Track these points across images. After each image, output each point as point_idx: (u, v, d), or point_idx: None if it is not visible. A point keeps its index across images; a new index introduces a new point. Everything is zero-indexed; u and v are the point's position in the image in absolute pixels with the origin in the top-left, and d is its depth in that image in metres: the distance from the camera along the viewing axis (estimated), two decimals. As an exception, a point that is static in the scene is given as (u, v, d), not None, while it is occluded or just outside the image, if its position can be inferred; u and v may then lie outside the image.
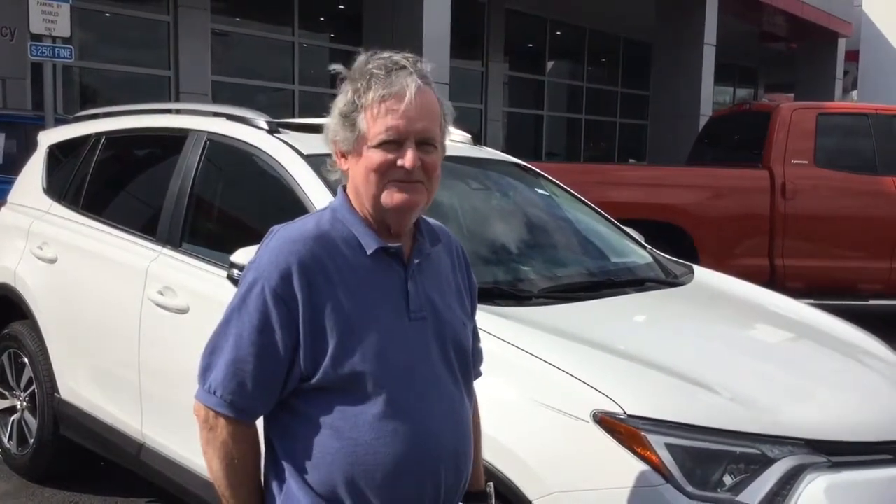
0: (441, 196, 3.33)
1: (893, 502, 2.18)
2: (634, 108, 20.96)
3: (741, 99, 26.11)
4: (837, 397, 2.46)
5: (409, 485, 1.54)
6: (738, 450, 2.08)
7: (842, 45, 20.92)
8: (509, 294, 2.73)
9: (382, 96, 1.50)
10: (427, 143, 1.53)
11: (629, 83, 21.10)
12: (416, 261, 1.60)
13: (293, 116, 11.53)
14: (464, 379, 1.67)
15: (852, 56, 22.38)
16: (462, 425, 1.64)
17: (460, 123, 4.91)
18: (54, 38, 6.97)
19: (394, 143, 1.51)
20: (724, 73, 23.87)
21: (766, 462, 2.08)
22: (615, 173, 8.13)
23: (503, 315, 2.49)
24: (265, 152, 3.18)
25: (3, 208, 4.43)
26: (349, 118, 1.53)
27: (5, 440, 4.19)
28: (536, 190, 3.89)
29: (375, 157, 1.51)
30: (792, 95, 21.71)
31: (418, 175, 1.53)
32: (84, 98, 11.91)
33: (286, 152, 3.11)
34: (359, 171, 1.54)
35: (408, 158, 1.51)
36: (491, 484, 1.82)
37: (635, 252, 3.71)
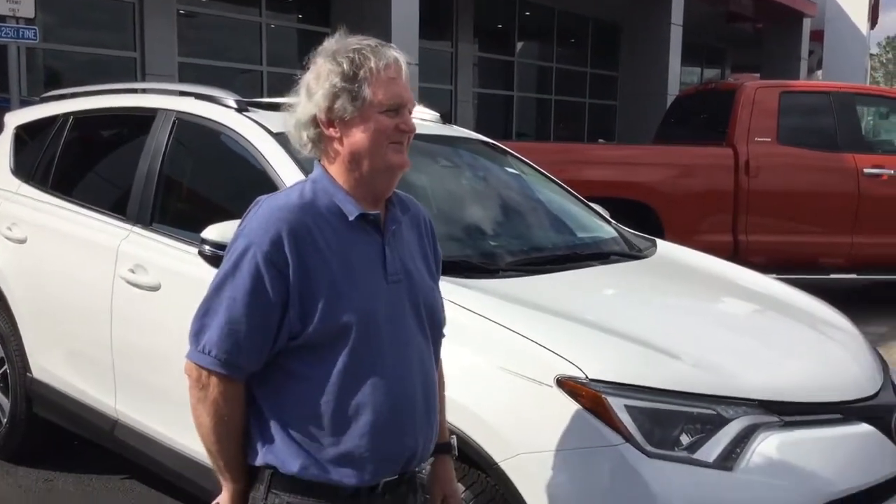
0: (411, 173, 3.39)
1: (841, 457, 2.29)
2: (604, 88, 21.08)
3: (709, 78, 26.37)
4: (791, 361, 2.58)
5: (389, 433, 1.64)
6: (695, 410, 2.18)
7: (807, 24, 21.18)
8: (477, 267, 2.80)
9: (386, 65, 1.63)
10: (410, 110, 1.69)
11: (598, 64, 21.21)
12: (392, 228, 1.71)
13: (262, 97, 11.49)
14: (433, 338, 1.78)
15: (817, 36, 22.70)
16: (431, 380, 1.75)
17: (430, 104, 4.98)
18: (18, 20, 6.89)
19: (396, 109, 1.64)
20: (692, 53, 24.07)
21: (721, 422, 2.18)
22: (583, 152, 8.23)
23: (470, 287, 2.56)
24: (234, 130, 3.21)
25: (-30, 190, 4.41)
26: (350, 88, 1.62)
27: (-23, 421, 4.20)
28: (504, 167, 3.97)
29: (385, 121, 1.63)
30: (758, 75, 21.99)
31: (408, 139, 1.68)
32: (49, 80, 11.74)
33: (255, 130, 3.14)
34: (364, 136, 1.64)
35: (408, 123, 1.66)
36: (454, 436, 1.91)
37: (601, 227, 3.80)
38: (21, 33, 6.87)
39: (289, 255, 1.58)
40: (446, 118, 4.32)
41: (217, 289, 1.62)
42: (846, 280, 7.42)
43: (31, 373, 3.82)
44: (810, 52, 23.18)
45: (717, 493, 2.09)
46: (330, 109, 1.63)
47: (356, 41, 1.66)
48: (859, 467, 2.31)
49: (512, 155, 4.06)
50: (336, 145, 1.65)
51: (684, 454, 2.12)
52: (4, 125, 4.57)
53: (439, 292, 1.82)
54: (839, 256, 7.36)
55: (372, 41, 1.67)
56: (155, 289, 3.13)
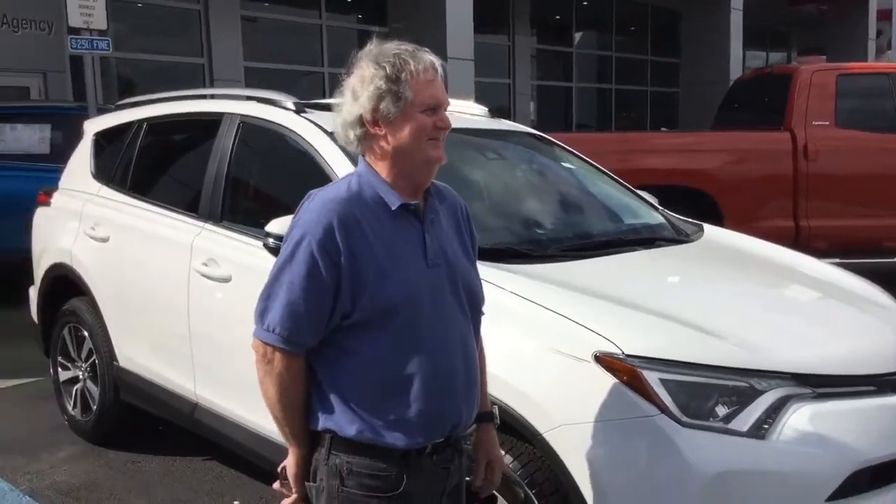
0: (461, 166, 3.57)
1: (873, 427, 2.38)
2: (665, 75, 20.85)
3: (774, 62, 25.83)
4: (826, 337, 2.67)
5: (434, 401, 1.81)
6: (728, 383, 2.30)
7: (873, 4, 20.60)
8: (522, 253, 2.95)
9: (424, 69, 1.80)
10: (445, 109, 1.86)
11: (658, 51, 20.98)
12: (430, 216, 1.88)
13: (324, 98, 11.75)
14: (472, 316, 1.94)
15: (886, 15, 22.02)
16: (471, 355, 1.91)
17: (487, 98, 5.08)
18: (92, 31, 7.28)
19: (432, 109, 1.81)
20: (756, 37, 23.62)
21: (754, 394, 2.30)
22: (639, 141, 8.26)
23: (515, 272, 2.73)
24: (293, 131, 3.43)
25: (55, 193, 4.76)
26: (394, 90, 1.77)
27: (70, 408, 4.54)
28: (551, 158, 4.11)
29: (425, 119, 1.79)
30: (824, 58, 21.47)
31: (444, 135, 1.84)
32: (121, 88, 12.27)
33: (312, 130, 3.36)
34: (406, 133, 1.80)
35: (446, 121, 1.82)
36: (496, 406, 2.06)
37: (648, 214, 3.92)
38: (95, 44, 7.28)
39: (339, 243, 1.75)
40: (504, 112, 4.49)
41: (277, 274, 1.80)
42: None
43: (117, 362, 4.12)
44: (879, 33, 22.51)
45: (750, 460, 2.21)
46: (375, 110, 1.78)
47: (395, 46, 1.82)
48: (891, 437, 2.40)
49: (559, 146, 4.20)
50: (381, 142, 1.81)
51: (718, 424, 2.25)
52: (84, 132, 4.91)
53: (477, 274, 1.98)
54: (903, 239, 7.27)
55: (409, 46, 1.83)
56: (226, 280, 3.38)
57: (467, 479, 2.03)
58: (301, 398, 1.85)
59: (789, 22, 24.69)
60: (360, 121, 1.81)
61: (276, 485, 1.98)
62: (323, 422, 1.83)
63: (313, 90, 14.08)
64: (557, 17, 19.21)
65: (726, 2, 17.01)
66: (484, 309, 2.01)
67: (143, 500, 3.84)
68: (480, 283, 1.99)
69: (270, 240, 2.85)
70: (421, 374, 1.79)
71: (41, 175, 7.30)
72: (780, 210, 7.16)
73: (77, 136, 7.59)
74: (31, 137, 7.55)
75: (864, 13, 20.51)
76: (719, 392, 2.29)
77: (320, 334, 1.81)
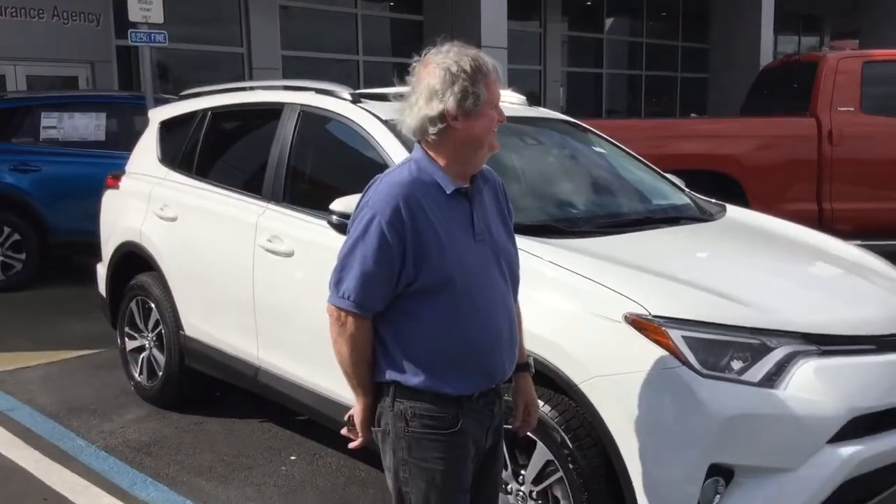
0: (502, 150, 3.89)
1: (871, 380, 2.68)
2: (695, 61, 20.88)
3: (808, 48, 25.73)
4: (833, 302, 2.98)
5: (483, 356, 2.11)
6: (743, 340, 2.60)
7: (908, -12, 20.46)
8: (560, 229, 3.28)
9: (490, 70, 2.07)
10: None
11: (689, 37, 21.01)
12: (477, 198, 2.15)
13: (358, 86, 12.06)
14: (513, 283, 2.24)
15: (921, -2, 21.81)
16: (513, 317, 2.22)
17: (519, 85, 5.36)
18: (150, 25, 7.67)
19: (496, 106, 2.10)
20: (788, 22, 23.53)
21: (765, 350, 2.60)
22: (666, 128, 8.51)
23: (554, 244, 3.05)
24: (350, 119, 3.77)
25: (123, 177, 5.14)
26: (471, 90, 2.02)
27: (136, 374, 4.93)
28: (585, 144, 4.42)
29: (492, 114, 2.08)
30: (856, 42, 21.38)
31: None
32: (164, 77, 12.71)
33: (368, 118, 3.69)
34: (481, 126, 2.06)
35: (504, 115, 2.12)
36: (531, 357, 2.38)
37: (674, 195, 4.21)
38: (152, 37, 7.67)
39: (406, 221, 2.01)
40: (535, 99, 4.79)
41: (351, 249, 2.06)
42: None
43: (183, 331, 4.51)
44: (914, 15, 22.33)
45: (760, 405, 2.52)
46: (460, 107, 2.02)
47: (465, 51, 2.07)
48: (888, 389, 2.70)
49: (592, 132, 4.50)
50: (457, 135, 2.05)
51: (733, 376, 2.56)
52: (149, 120, 5.29)
53: (515, 246, 2.27)
54: (924, 221, 7.46)
55: (473, 49, 2.09)
56: (289, 255, 3.73)
57: (507, 425, 2.34)
58: (369, 354, 2.12)
59: (822, 7, 24.56)
60: (443, 116, 2.03)
61: (344, 430, 2.26)
62: (389, 374, 2.11)
63: (349, 77, 14.43)
64: (588, 3, 19.34)
65: (757, -12, 17.09)
66: (521, 276, 2.30)
67: (209, 454, 4.23)
68: (517, 254, 2.28)
69: (334, 217, 3.19)
70: (472, 334, 2.08)
71: (98, 161, 7.78)
72: (805, 193, 7.40)
73: (129, 123, 8.08)
74: (88, 125, 7.97)
75: (898, -2, 20.38)
76: (734, 348, 2.60)
77: (387, 300, 2.07)
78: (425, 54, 2.11)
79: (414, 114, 2.07)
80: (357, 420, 2.20)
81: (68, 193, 7.80)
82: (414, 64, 2.12)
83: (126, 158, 6.71)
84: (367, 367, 2.14)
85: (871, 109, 7.45)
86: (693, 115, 17.96)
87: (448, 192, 2.08)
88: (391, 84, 2.92)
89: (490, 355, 2.13)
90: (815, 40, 26.86)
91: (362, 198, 2.12)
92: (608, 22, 19.72)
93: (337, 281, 2.09)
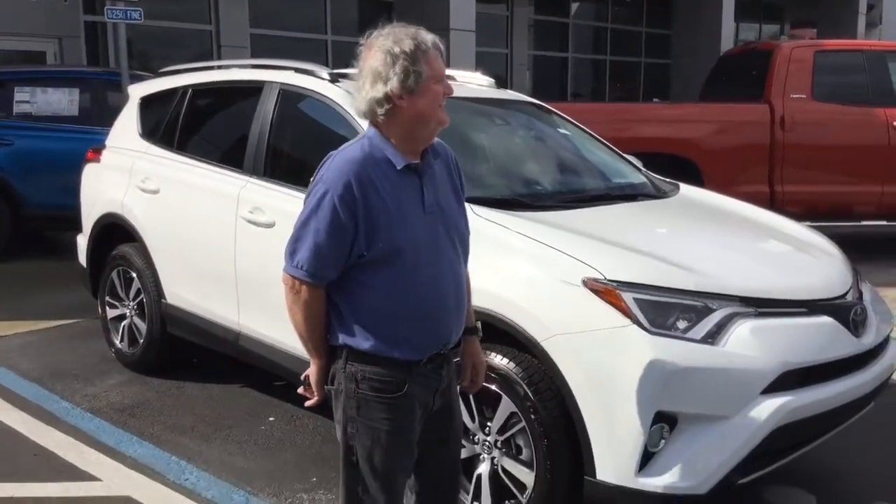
0: (470, 131, 4.15)
1: (802, 339, 3.00)
2: (658, 47, 21.23)
3: (769, 35, 26.24)
4: (769, 269, 3.30)
5: (430, 323, 2.23)
6: (687, 302, 2.90)
7: (865, -22, 21.00)
8: (523, 203, 3.54)
9: (430, 46, 2.14)
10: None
11: (653, 23, 21.36)
12: (428, 172, 2.23)
13: (326, 65, 12.17)
14: (462, 252, 2.35)
15: (877, -10, 22.42)
16: (460, 285, 2.32)
17: (486, 68, 5.56)
18: (125, 2, 7.77)
19: (440, 80, 2.16)
20: (750, 9, 23.97)
21: (707, 311, 2.89)
22: (626, 112, 8.82)
23: (518, 216, 3.31)
24: (328, 97, 3.99)
25: (104, 151, 5.30)
26: (415, 68, 2.10)
27: (117, 342, 5.13)
28: (549, 125, 4.69)
29: (437, 88, 2.15)
30: (814, 31, 21.92)
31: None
32: (133, 53, 12.70)
33: (346, 97, 3.91)
34: (425, 102, 2.13)
35: (450, 88, 2.20)
36: (479, 322, 2.56)
37: (632, 174, 4.50)
38: (128, 14, 7.77)
39: (357, 197, 2.09)
40: (502, 82, 5.04)
41: (305, 222, 2.15)
42: (877, 227, 7.95)
43: (165, 299, 4.71)
44: (870, 7, 22.92)
45: (701, 359, 2.80)
46: (403, 86, 2.10)
47: (405, 30, 2.14)
48: (817, 347, 3.01)
49: (557, 114, 4.77)
50: (404, 112, 2.13)
51: (678, 334, 2.85)
52: (129, 96, 5.45)
53: (465, 217, 2.36)
54: (870, 205, 7.88)
55: (413, 28, 2.16)
56: (270, 226, 3.95)
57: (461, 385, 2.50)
58: (322, 320, 2.24)
59: (782, -5, 25.11)
60: (388, 97, 2.12)
61: (301, 389, 2.36)
62: (342, 338, 2.22)
63: (317, 56, 14.52)
64: (555, -14, 19.60)
65: (719, -24, 17.47)
66: (484, 245, 2.50)
67: (190, 416, 4.45)
68: (467, 225, 2.37)
69: (316, 188, 3.41)
70: (419, 303, 2.18)
71: (71, 136, 7.89)
72: (757, 176, 7.77)
73: (103, 99, 8.18)
74: (61, 100, 8.06)
75: (855, -13, 20.92)
76: (680, 309, 2.88)
77: (339, 270, 2.17)
78: (368, 37, 2.18)
79: (362, 97, 2.17)
80: (312, 380, 2.32)
81: (41, 167, 7.91)
82: (359, 48, 2.19)
83: (98, 133, 6.86)
84: (321, 331, 2.26)
85: (821, 97, 7.83)
86: (656, 100, 18.34)
87: (398, 167, 2.17)
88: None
89: (437, 322, 2.24)
90: (776, 28, 27.40)
91: (317, 173, 2.20)
92: (574, 6, 19.96)
93: (292, 251, 2.19)
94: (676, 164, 7.22)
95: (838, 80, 8.01)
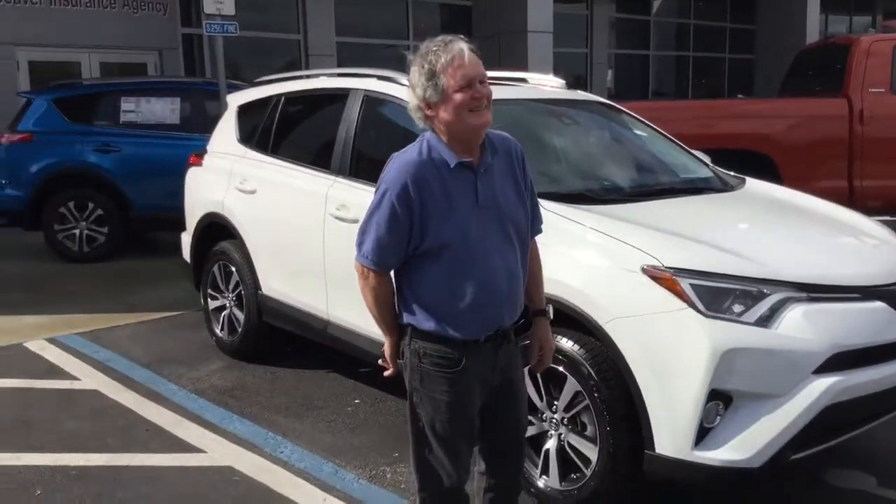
0: (541, 129, 4.40)
1: (853, 323, 3.14)
2: (742, 42, 20.92)
3: (860, 27, 25.48)
4: (824, 257, 3.46)
5: (482, 308, 2.43)
6: (742, 288, 3.08)
7: (962, -35, 20.23)
8: (589, 197, 3.78)
9: (451, 59, 2.32)
10: (482, 81, 2.36)
11: (737, 18, 21.06)
12: (483, 168, 2.42)
13: (408, 71, 12.43)
14: (519, 242, 2.50)
15: (976, -24, 21.53)
16: (513, 273, 2.47)
17: (565, 69, 5.74)
18: (223, 17, 8.31)
19: (467, 86, 2.32)
20: (839, 1, 23.40)
21: (761, 296, 3.07)
22: (704, 108, 8.88)
23: (582, 210, 3.55)
24: (408, 102, 4.29)
25: (206, 156, 5.76)
26: (432, 82, 2.33)
27: (217, 330, 5.57)
28: (617, 123, 4.90)
29: (459, 97, 2.32)
30: (908, 21, 21.16)
31: (484, 102, 2.35)
32: (226, 63, 13.34)
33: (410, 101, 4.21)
34: (449, 110, 2.33)
35: (479, 91, 2.34)
36: (551, 305, 2.82)
37: (700, 169, 4.68)
38: (225, 28, 8.31)
39: (412, 195, 2.33)
40: (581, 82, 5.27)
41: (369, 217, 2.42)
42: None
43: (261, 291, 5.11)
44: (969, -6, 22.04)
45: (754, 340, 2.98)
46: (424, 99, 2.37)
47: (431, 45, 2.37)
48: (868, 331, 3.15)
49: (625, 112, 4.98)
50: (435, 120, 2.39)
51: (733, 317, 3.04)
52: (227, 105, 5.90)
53: (526, 207, 2.52)
54: (951, 199, 7.75)
55: (442, 40, 2.36)
56: (355, 221, 4.24)
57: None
58: (390, 301, 2.50)
59: (874, -15, 24.34)
60: (418, 107, 2.41)
61: (380, 361, 2.65)
62: (406, 318, 2.48)
63: (399, 62, 14.90)
64: (636, -15, 19.55)
65: (804, -32, 17.17)
66: (552, 237, 2.69)
67: (284, 397, 4.84)
68: (527, 217, 2.53)
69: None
70: (470, 289, 2.39)
71: (173, 142, 8.47)
72: (836, 171, 7.74)
73: (202, 107, 8.75)
74: (164, 109, 8.66)
75: (953, -25, 20.18)
76: (735, 294, 3.07)
77: (401, 259, 2.42)
78: (417, 51, 2.41)
79: (408, 107, 2.48)
80: (387, 354, 2.60)
81: (147, 172, 8.52)
82: (409, 61, 2.44)
83: (198, 140, 7.37)
84: (390, 311, 2.52)
85: (901, 91, 7.75)
86: (740, 96, 18.12)
87: (451, 165, 2.38)
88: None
89: (489, 307, 2.44)
90: (868, 20, 26.56)
91: (382, 173, 2.44)
92: (656, 4, 19.86)
93: (359, 243, 2.47)
94: (754, 161, 7.28)
95: (919, 73, 7.91)
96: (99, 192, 8.58)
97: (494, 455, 2.69)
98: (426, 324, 2.44)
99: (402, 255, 2.42)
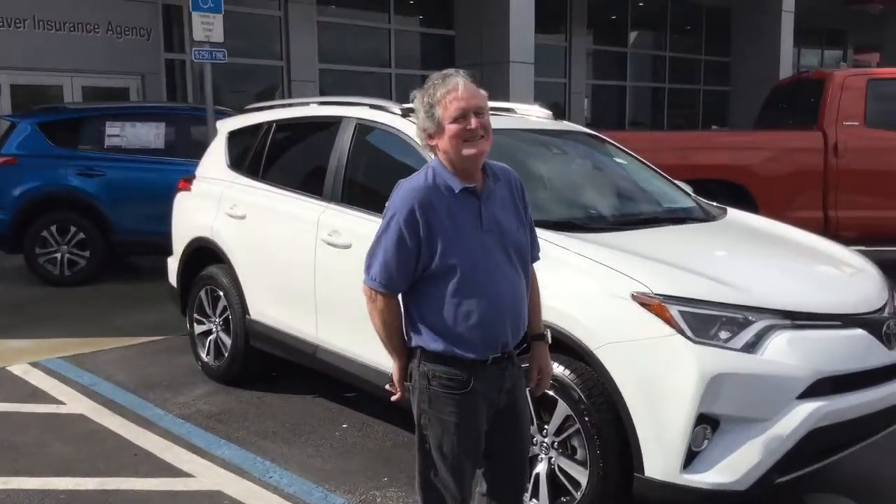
0: (530, 159, 4.50)
1: (835, 349, 3.25)
2: (717, 74, 21.31)
3: (832, 60, 26.10)
4: (807, 285, 3.58)
5: (488, 326, 2.50)
6: (729, 315, 3.18)
7: (929, 3, 20.84)
8: (578, 225, 3.87)
9: (446, 92, 2.45)
10: (479, 112, 2.46)
11: (711, 50, 21.46)
12: (486, 194, 2.53)
13: (390, 97, 12.73)
14: (521, 265, 2.60)
15: (944, 13, 22.18)
16: (517, 295, 2.57)
17: (544, 98, 5.88)
18: (211, 44, 8.38)
19: (461, 118, 2.44)
20: (812, 36, 23.91)
21: (747, 323, 3.17)
22: (680, 139, 9.08)
23: (575, 237, 3.64)
24: (400, 130, 4.39)
25: (195, 181, 5.80)
26: (429, 113, 2.47)
27: (204, 355, 5.57)
28: (602, 153, 5.01)
29: (455, 127, 2.44)
30: (878, 56, 21.75)
31: (480, 132, 2.45)
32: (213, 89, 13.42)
33: (415, 129, 4.30)
34: (445, 140, 2.46)
35: (472, 123, 2.45)
36: (549, 329, 2.87)
37: (682, 199, 4.80)
38: (213, 54, 8.37)
39: (419, 219, 2.43)
40: (560, 111, 5.39)
41: (377, 241, 2.52)
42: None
43: (249, 315, 5.14)
44: (936, 30, 22.67)
45: (740, 366, 3.08)
46: (424, 129, 2.52)
47: (435, 77, 2.50)
48: (850, 357, 3.26)
49: (610, 143, 5.10)
50: (436, 149, 2.52)
51: (720, 343, 3.14)
52: (217, 131, 5.95)
53: (526, 235, 2.63)
54: (926, 230, 7.95)
55: (441, 74, 2.50)
56: (347, 247, 4.35)
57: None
58: (397, 324, 2.57)
59: (846, 20, 24.93)
60: (421, 137, 2.57)
61: (388, 386, 2.69)
62: (415, 341, 2.55)
63: (381, 89, 15.10)
64: (613, 17, 19.88)
65: (777, 4, 17.56)
66: (543, 263, 2.78)
67: (271, 422, 4.85)
68: (528, 242, 2.65)
69: (390, 213, 3.79)
70: (477, 310, 2.47)
71: (157, 167, 8.50)
72: (811, 202, 7.93)
73: (187, 133, 8.79)
74: (149, 134, 8.69)
75: (920, 12, 20.77)
76: (721, 321, 3.17)
77: (408, 282, 2.51)
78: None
79: (416, 135, 2.64)
80: (395, 378, 2.65)
81: (130, 196, 8.53)
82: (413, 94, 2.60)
83: (183, 165, 7.40)
84: (398, 334, 2.59)
85: (874, 124, 7.98)
86: (714, 127, 18.45)
87: (456, 191, 2.49)
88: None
89: (494, 328, 2.51)
90: (839, 54, 27.21)
91: (389, 199, 2.55)
92: (632, 36, 20.21)
93: (368, 266, 2.55)
94: (731, 191, 7.44)
95: (891, 107, 8.13)
96: (81, 215, 8.56)
97: (498, 477, 2.74)
98: (434, 345, 2.51)
99: (409, 277, 2.50)
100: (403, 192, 2.50)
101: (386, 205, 2.53)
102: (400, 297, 2.57)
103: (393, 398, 2.71)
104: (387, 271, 2.49)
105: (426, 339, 2.52)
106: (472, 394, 2.53)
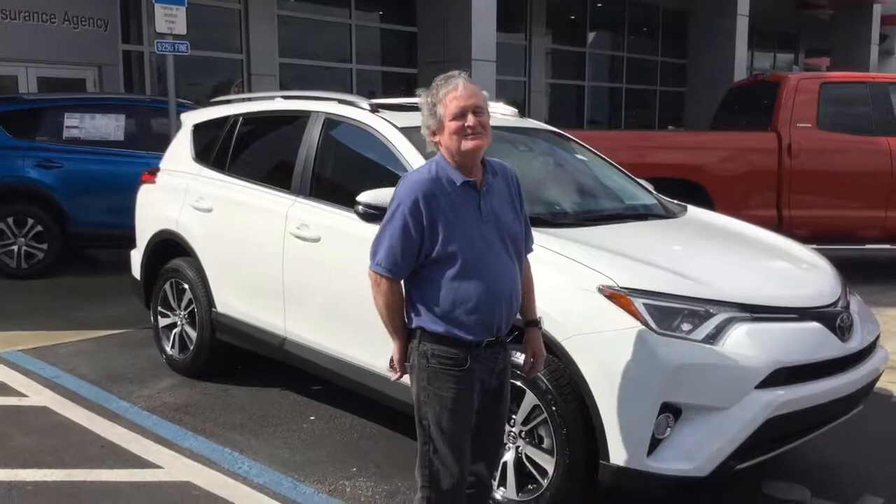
0: (495, 156, 4.56)
1: (792, 341, 3.38)
2: (673, 75, 21.67)
3: (784, 63, 26.71)
4: (764, 280, 3.71)
5: (484, 311, 2.68)
6: (690, 308, 3.30)
7: (877, 10, 21.45)
8: (545, 221, 3.96)
9: (447, 92, 2.66)
10: (477, 110, 2.66)
11: (668, 52, 21.83)
12: (485, 188, 2.73)
13: (351, 92, 12.70)
14: (516, 255, 2.81)
15: (890, 20, 22.86)
16: (513, 282, 2.77)
17: (505, 95, 5.98)
18: (174, 36, 8.31)
19: (460, 115, 2.64)
20: (765, 39, 24.45)
21: (708, 315, 3.29)
22: (639, 139, 9.26)
23: (543, 232, 3.71)
24: (370, 125, 4.44)
25: (159, 173, 5.78)
26: (432, 111, 2.68)
27: (168, 348, 5.56)
28: (567, 151, 5.12)
29: (453, 125, 2.65)
30: (828, 60, 22.33)
31: (479, 129, 2.64)
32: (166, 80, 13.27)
33: (385, 125, 4.36)
34: (446, 136, 2.67)
35: (470, 121, 2.65)
36: (542, 316, 3.00)
37: (644, 196, 4.92)
38: (176, 47, 8.30)
39: (422, 209, 2.62)
40: (520, 108, 5.48)
41: (383, 229, 2.70)
42: (880, 250, 8.30)
43: (215, 308, 5.14)
44: (883, 37, 23.34)
45: (702, 357, 3.20)
46: (429, 127, 2.72)
47: (439, 79, 2.70)
48: (806, 349, 3.40)
49: (575, 141, 5.21)
50: (440, 146, 2.72)
51: (682, 335, 3.25)
52: (182, 123, 5.93)
53: (521, 225, 2.83)
54: (873, 229, 8.24)
55: (445, 76, 2.70)
56: (316, 240, 4.38)
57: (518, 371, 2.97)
58: (399, 307, 2.75)
59: (798, 24, 25.53)
60: (426, 132, 2.75)
61: (388, 366, 2.85)
62: (416, 322, 2.73)
63: (341, 85, 15.08)
64: (572, 17, 20.10)
65: (733, 7, 17.93)
66: (533, 249, 2.97)
67: (238, 414, 4.87)
68: (523, 232, 2.85)
69: (360, 207, 3.83)
70: (476, 294, 2.66)
71: (117, 159, 8.42)
72: (765, 201, 8.16)
73: (147, 125, 8.72)
74: (108, 126, 8.59)
75: (869, 18, 21.36)
76: (684, 314, 3.29)
77: (411, 267, 2.69)
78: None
79: (423, 132, 2.79)
80: (395, 358, 2.81)
81: (89, 188, 8.43)
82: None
83: (143, 157, 7.35)
84: (400, 317, 2.76)
85: (826, 126, 8.24)
86: (671, 127, 18.77)
87: (458, 183, 2.68)
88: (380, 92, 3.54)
89: (491, 312, 2.69)
90: (791, 57, 27.85)
91: (395, 190, 2.73)
92: (591, 36, 20.45)
93: (373, 252, 2.72)
94: (688, 189, 7.61)
95: (843, 110, 8.41)
96: (39, 208, 8.43)
97: (477, 453, 2.86)
98: (434, 326, 2.68)
99: (412, 263, 2.68)
100: (408, 184, 2.68)
101: (391, 194, 2.71)
102: (402, 281, 2.73)
103: (393, 378, 2.87)
104: (391, 257, 2.66)
105: (426, 321, 2.69)
106: (468, 372, 2.71)
